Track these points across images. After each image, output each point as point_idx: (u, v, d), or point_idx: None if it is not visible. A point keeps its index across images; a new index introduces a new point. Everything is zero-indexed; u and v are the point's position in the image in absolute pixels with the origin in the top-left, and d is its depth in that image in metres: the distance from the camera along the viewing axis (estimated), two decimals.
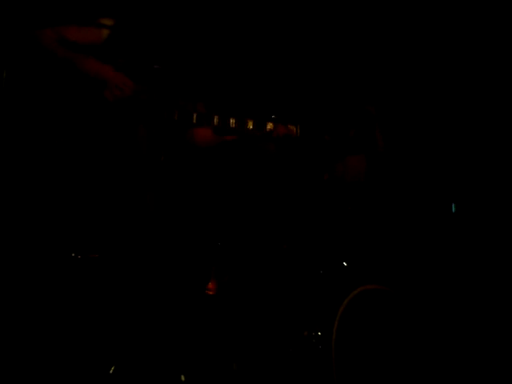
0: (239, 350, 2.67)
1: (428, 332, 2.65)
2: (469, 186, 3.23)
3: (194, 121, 2.65)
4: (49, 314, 2.77)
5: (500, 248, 3.02)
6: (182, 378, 2.66)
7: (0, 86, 2.59)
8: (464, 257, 3.01)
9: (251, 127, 2.64)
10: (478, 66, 3.36)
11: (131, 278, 2.77)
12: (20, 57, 2.64)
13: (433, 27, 3.45)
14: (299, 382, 2.51)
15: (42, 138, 2.64)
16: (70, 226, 2.76)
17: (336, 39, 3.51)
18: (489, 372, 2.75)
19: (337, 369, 2.45)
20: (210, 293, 3.00)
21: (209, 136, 2.85)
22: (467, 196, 3.20)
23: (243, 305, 2.78)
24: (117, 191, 2.71)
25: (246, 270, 2.87)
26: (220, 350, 2.72)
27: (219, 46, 3.13)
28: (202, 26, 2.88)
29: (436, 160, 3.35)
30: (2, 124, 2.61)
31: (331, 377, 2.44)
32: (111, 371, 2.64)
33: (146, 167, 2.70)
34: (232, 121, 2.64)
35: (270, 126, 2.65)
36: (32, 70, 2.65)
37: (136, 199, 2.73)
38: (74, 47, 2.65)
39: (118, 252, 2.75)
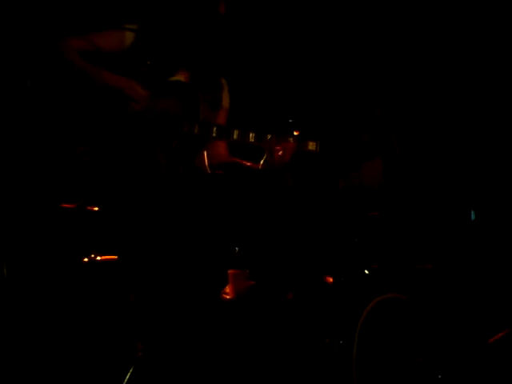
0: (258, 356, 2.66)
1: (449, 341, 2.63)
2: (489, 192, 3.22)
3: (214, 134, 2.64)
4: (66, 314, 2.77)
5: None
6: None
7: (25, 94, 2.58)
8: (484, 264, 2.99)
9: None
10: (495, 64, 3.35)
11: (148, 280, 2.76)
12: (43, 66, 2.63)
13: (440, 27, 3.44)
14: None
15: (62, 142, 2.64)
16: (91, 231, 2.75)
17: (344, 46, 3.52)
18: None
19: (358, 377, 2.44)
20: (228, 297, 2.99)
21: (223, 153, 2.85)
22: (487, 203, 3.18)
23: (264, 310, 2.77)
24: (134, 196, 2.70)
25: (266, 275, 2.86)
26: (237, 355, 2.71)
27: (242, 61, 3.13)
28: (226, 38, 2.86)
29: (454, 165, 3.33)
30: (27, 131, 2.61)
31: None
32: (128, 374, 2.63)
33: (165, 181, 2.69)
34: (251, 135, 2.62)
35: (289, 140, 2.63)
36: (54, 80, 2.64)
37: (155, 205, 2.72)
38: (95, 58, 2.64)
39: (136, 255, 2.74)
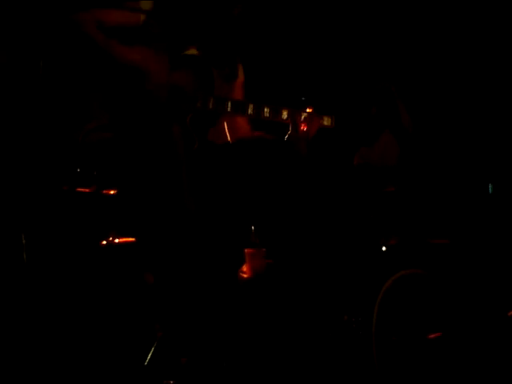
0: (276, 334, 2.68)
1: (469, 316, 2.63)
2: (506, 165, 3.18)
3: (229, 109, 2.63)
4: (86, 297, 2.80)
5: None
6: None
7: (38, 75, 2.58)
8: (502, 238, 2.97)
9: (285, 117, 2.62)
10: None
11: (166, 261, 2.78)
12: (59, 44, 2.62)
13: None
14: (339, 366, 2.52)
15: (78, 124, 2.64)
16: (108, 213, 2.77)
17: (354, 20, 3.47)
18: None
19: (377, 353, 2.45)
20: (245, 276, 3.00)
21: (244, 127, 2.84)
22: (505, 176, 3.15)
23: (282, 288, 2.78)
24: (151, 178, 2.71)
25: (283, 253, 2.87)
26: (255, 333, 2.73)
27: (255, 32, 3.10)
28: (239, 10, 2.83)
29: (471, 139, 3.30)
30: (41, 112, 2.61)
31: (372, 362, 2.44)
32: (150, 353, 2.67)
33: (181, 160, 2.68)
34: (266, 110, 2.61)
35: (304, 115, 2.63)
36: (71, 58, 2.62)
37: (169, 185, 2.72)
38: (113, 33, 2.62)
39: (154, 236, 2.76)
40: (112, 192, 2.77)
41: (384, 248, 2.75)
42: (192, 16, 2.71)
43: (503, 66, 3.29)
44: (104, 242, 2.84)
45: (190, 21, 2.71)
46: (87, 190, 2.82)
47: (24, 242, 2.69)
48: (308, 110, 2.69)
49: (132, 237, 2.80)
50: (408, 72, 3.34)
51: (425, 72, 3.37)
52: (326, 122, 2.67)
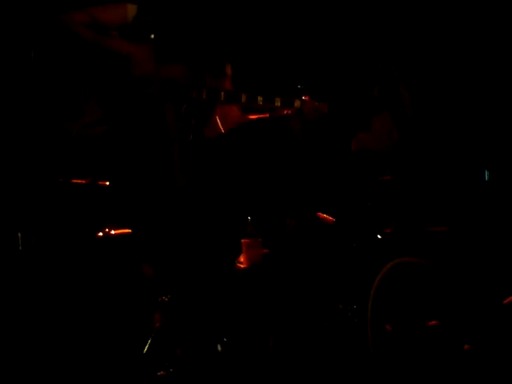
0: (274, 323, 2.69)
1: (465, 304, 2.63)
2: (502, 152, 3.17)
3: (222, 99, 2.65)
4: (83, 289, 2.82)
5: None
6: (219, 348, 2.70)
7: (28, 66, 2.59)
8: (498, 225, 2.97)
9: (279, 105, 2.63)
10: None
11: (163, 252, 2.78)
12: (47, 39, 2.63)
13: None
14: (334, 355, 2.53)
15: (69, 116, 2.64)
16: (104, 205, 2.78)
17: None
18: None
19: (373, 342, 2.45)
20: (242, 266, 3.01)
21: (235, 115, 2.85)
22: (501, 163, 3.14)
23: (278, 277, 2.79)
24: (146, 169, 2.71)
25: (280, 243, 2.88)
26: (254, 322, 2.74)
27: (246, 21, 3.09)
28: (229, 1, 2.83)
29: (468, 126, 3.29)
30: (32, 103, 2.62)
31: (367, 350, 2.45)
32: (147, 346, 2.68)
33: (174, 145, 2.69)
34: (260, 98, 2.63)
35: (297, 103, 2.64)
36: (59, 52, 2.64)
37: (165, 176, 2.73)
38: (102, 30, 2.63)
39: (150, 227, 2.76)
40: (108, 183, 2.78)
41: (379, 236, 2.75)
42: (181, 13, 2.71)
43: (503, 51, 3.27)
44: (100, 234, 2.85)
45: (178, 18, 2.71)
46: (83, 182, 2.83)
47: (20, 234, 2.70)
48: (304, 98, 2.69)
49: (128, 228, 2.81)
50: (407, 55, 3.32)
51: (423, 57, 3.35)
52: (322, 108, 2.69)
